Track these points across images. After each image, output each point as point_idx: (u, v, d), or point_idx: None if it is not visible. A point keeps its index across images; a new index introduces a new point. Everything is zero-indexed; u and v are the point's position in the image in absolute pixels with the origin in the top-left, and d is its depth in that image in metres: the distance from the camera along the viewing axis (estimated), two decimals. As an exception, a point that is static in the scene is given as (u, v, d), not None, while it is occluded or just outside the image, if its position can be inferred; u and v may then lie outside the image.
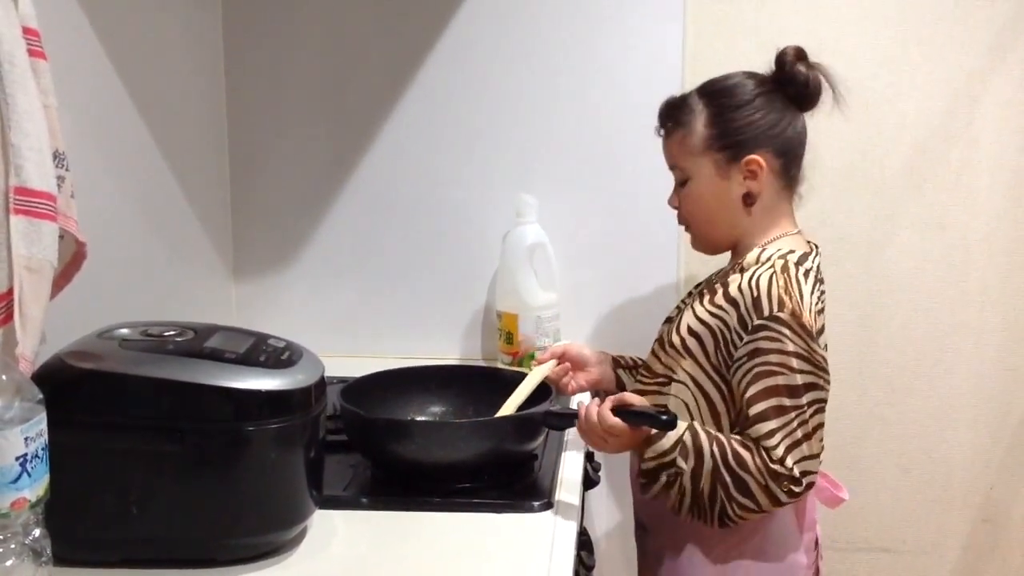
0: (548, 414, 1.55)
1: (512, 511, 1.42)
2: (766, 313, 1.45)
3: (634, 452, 1.53)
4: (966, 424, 2.28)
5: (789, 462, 1.42)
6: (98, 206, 1.61)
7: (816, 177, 2.16)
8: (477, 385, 1.71)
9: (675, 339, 1.58)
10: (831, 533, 2.30)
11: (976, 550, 2.33)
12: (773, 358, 1.45)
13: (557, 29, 2.15)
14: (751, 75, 1.61)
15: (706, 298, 1.56)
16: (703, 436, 1.45)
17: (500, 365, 2.10)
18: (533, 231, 2.12)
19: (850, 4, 2.15)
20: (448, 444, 1.49)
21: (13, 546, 1.00)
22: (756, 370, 1.46)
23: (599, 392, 1.82)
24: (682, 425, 1.46)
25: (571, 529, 1.38)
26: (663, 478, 1.46)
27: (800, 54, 1.61)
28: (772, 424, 1.43)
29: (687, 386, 1.56)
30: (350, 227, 2.25)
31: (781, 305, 1.45)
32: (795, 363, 1.44)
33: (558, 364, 1.77)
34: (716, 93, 1.59)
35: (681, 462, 1.44)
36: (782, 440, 1.42)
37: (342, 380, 1.66)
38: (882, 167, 2.19)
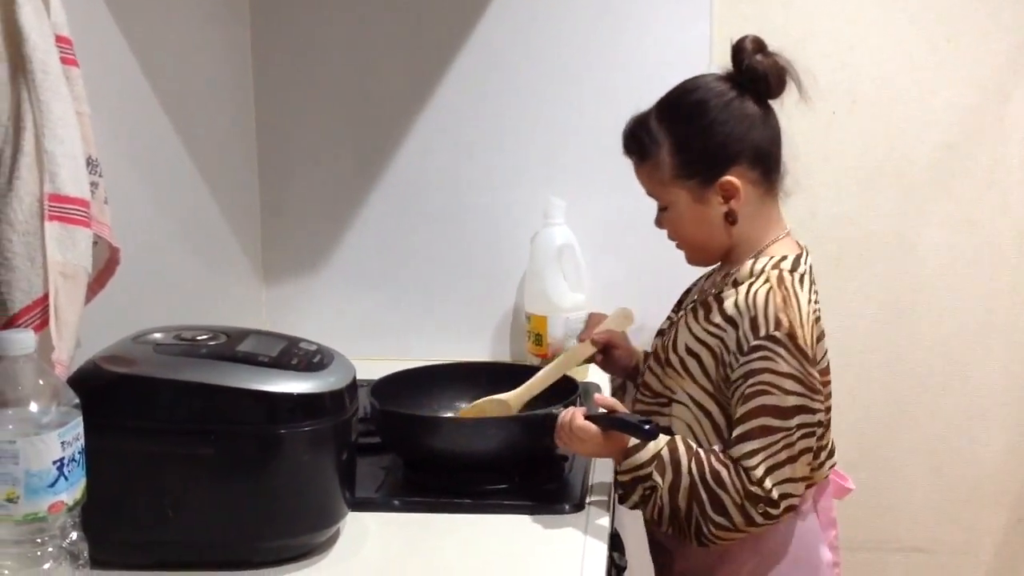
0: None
1: (543, 512, 1.42)
2: (762, 333, 1.40)
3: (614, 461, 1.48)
4: (998, 423, 2.26)
5: (768, 484, 1.37)
6: (130, 212, 1.62)
7: (844, 176, 2.17)
8: (505, 382, 1.68)
9: (673, 358, 1.53)
10: (864, 534, 2.29)
11: (1011, 549, 2.30)
12: (765, 377, 1.39)
13: (583, 31, 2.15)
14: (711, 80, 1.52)
15: (701, 314, 1.51)
16: (682, 451, 1.40)
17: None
18: (561, 233, 2.12)
19: (876, 2, 2.14)
20: (466, 440, 1.51)
21: (51, 549, 1.01)
22: (748, 391, 1.40)
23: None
24: (662, 438, 1.41)
25: (603, 530, 1.38)
26: (639, 490, 1.42)
27: (758, 44, 1.50)
28: (755, 444, 1.38)
29: (688, 407, 1.50)
30: (379, 230, 2.25)
31: (778, 324, 1.39)
32: (788, 384, 1.38)
33: (598, 353, 1.75)
34: (676, 115, 1.50)
35: (657, 477, 1.40)
36: (763, 461, 1.37)
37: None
38: (911, 164, 2.18)
